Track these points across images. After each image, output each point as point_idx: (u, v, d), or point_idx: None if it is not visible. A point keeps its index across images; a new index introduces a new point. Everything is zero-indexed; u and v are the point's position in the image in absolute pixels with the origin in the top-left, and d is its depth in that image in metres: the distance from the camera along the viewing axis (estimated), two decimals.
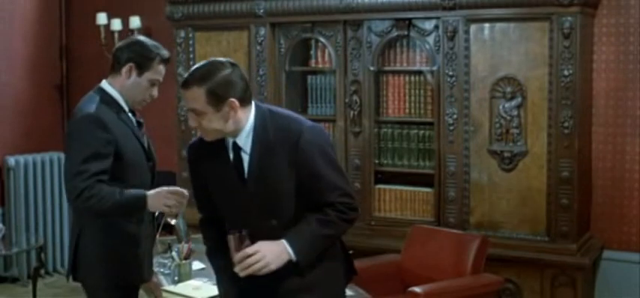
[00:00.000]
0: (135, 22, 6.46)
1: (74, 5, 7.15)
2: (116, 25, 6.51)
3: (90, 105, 3.27)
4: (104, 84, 3.37)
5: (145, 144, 3.41)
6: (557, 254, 4.75)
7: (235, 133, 2.76)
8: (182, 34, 5.84)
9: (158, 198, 3.19)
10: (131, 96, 3.34)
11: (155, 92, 3.38)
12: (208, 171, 2.87)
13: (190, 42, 5.83)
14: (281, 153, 2.73)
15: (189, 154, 2.95)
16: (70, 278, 3.45)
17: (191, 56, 5.82)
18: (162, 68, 3.36)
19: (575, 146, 4.71)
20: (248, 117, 2.75)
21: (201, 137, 2.81)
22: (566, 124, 4.67)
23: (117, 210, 3.21)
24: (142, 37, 3.49)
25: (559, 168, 4.72)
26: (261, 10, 5.48)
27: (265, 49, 5.54)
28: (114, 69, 3.36)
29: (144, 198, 3.20)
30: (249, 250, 2.68)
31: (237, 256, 2.69)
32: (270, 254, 2.69)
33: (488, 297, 4.49)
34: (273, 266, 2.69)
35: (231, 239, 2.71)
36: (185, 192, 3.20)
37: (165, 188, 3.20)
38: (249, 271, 2.68)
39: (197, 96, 2.68)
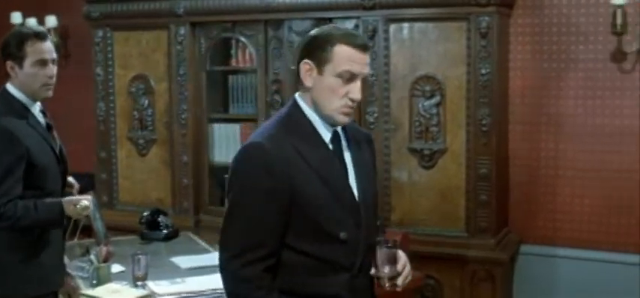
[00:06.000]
0: (51, 21, 6.30)
1: None
2: (32, 24, 6.34)
3: None
4: (8, 86, 3.29)
5: (56, 148, 3.34)
6: (477, 249, 4.82)
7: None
8: (100, 33, 5.73)
9: (71, 203, 3.19)
10: (30, 90, 3.25)
11: (50, 70, 3.25)
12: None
13: (108, 41, 5.73)
14: None
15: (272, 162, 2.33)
16: None
17: (109, 56, 5.72)
18: (39, 45, 3.22)
19: (492, 143, 4.80)
20: None
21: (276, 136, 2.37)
22: (484, 122, 4.76)
23: (36, 225, 3.18)
24: (14, 29, 3.36)
25: (477, 165, 4.80)
26: (181, 10, 5.42)
27: (185, 49, 5.48)
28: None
29: (59, 205, 3.16)
30: (403, 258, 2.38)
31: (404, 271, 2.37)
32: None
33: (409, 294, 4.52)
34: None
35: (384, 252, 2.34)
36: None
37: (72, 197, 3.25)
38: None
39: None
